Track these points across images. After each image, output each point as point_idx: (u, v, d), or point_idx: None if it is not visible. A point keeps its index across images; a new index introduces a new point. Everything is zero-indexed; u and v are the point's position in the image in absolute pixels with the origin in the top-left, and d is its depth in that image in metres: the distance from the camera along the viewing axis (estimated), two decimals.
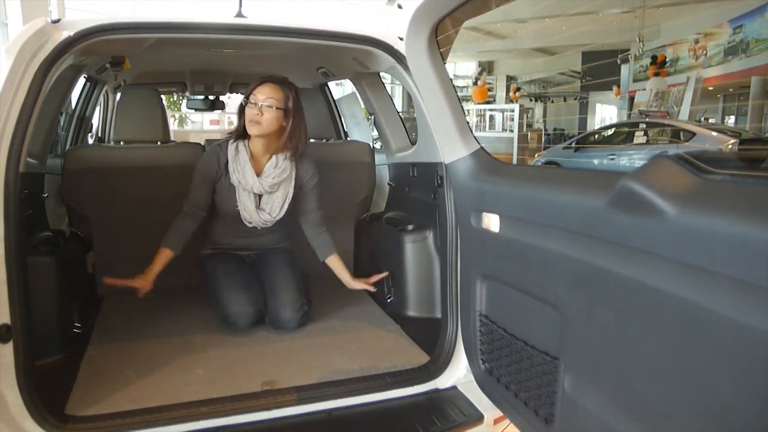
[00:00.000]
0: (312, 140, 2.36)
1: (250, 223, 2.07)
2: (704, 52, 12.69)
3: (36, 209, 1.95)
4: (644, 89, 12.34)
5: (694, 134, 8.07)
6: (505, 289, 1.42)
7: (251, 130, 1.94)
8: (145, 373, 1.65)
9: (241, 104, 1.98)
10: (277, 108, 1.92)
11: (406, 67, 1.77)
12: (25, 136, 1.35)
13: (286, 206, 2.07)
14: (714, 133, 8.08)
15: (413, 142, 2.23)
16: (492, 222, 1.44)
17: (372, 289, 2.08)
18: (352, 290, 2.10)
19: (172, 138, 2.86)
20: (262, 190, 2.02)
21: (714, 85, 12.35)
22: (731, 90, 13.06)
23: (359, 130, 3.62)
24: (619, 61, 13.87)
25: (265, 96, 1.92)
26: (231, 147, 2.02)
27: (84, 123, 3.20)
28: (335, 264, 2.12)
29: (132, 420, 1.41)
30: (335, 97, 3.71)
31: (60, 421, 1.37)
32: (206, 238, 2.20)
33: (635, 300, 0.96)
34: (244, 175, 2.00)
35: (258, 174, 2.02)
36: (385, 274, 2.10)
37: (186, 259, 2.43)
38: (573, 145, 10.19)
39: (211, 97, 4.32)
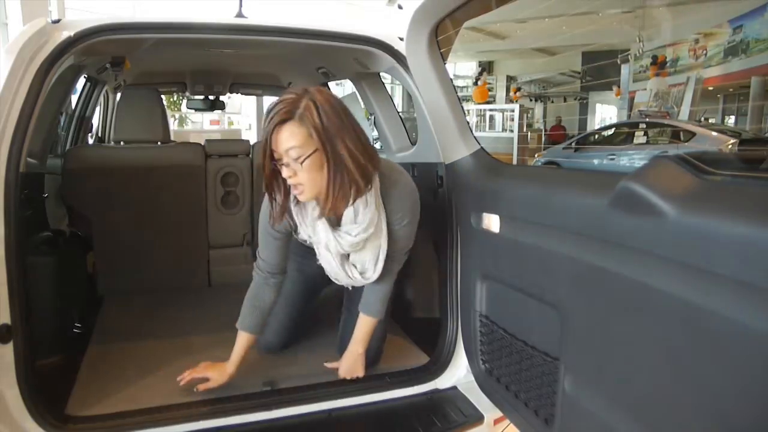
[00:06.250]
0: None
1: (337, 280, 1.61)
2: (704, 52, 12.67)
3: (36, 209, 1.95)
4: (644, 89, 12.33)
5: (694, 134, 8.07)
6: (506, 290, 1.42)
7: (302, 197, 1.40)
8: (145, 373, 1.65)
9: (272, 166, 1.37)
10: (308, 156, 1.31)
11: (406, 67, 1.77)
12: (25, 136, 1.35)
13: (381, 264, 1.53)
14: (714, 134, 8.08)
15: (413, 142, 2.22)
16: (492, 222, 1.44)
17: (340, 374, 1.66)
18: None
19: (172, 138, 2.86)
20: (341, 250, 1.50)
21: (714, 85, 12.33)
22: (731, 90, 13.04)
23: None
24: (619, 62, 13.85)
25: (286, 148, 1.31)
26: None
27: (84, 123, 3.20)
28: (363, 325, 1.65)
29: (132, 420, 1.41)
30: None
31: (60, 421, 1.37)
32: None
33: (635, 300, 0.96)
34: (316, 233, 1.49)
35: (337, 223, 1.49)
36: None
37: (186, 258, 2.44)
38: (573, 145, 10.19)
39: (211, 97, 4.32)
